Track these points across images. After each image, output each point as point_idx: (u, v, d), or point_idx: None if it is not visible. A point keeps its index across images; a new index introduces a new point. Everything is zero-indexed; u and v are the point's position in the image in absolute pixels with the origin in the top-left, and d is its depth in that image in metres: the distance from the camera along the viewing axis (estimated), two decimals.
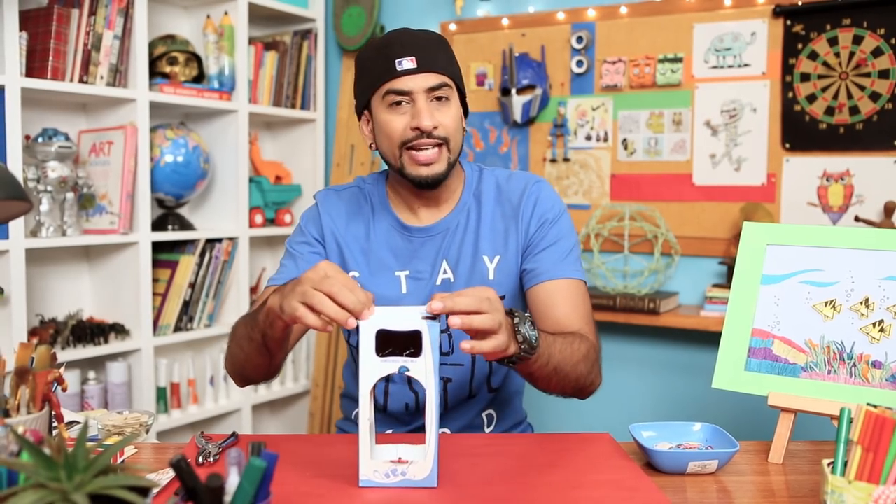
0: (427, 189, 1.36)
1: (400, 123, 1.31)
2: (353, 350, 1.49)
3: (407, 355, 1.00)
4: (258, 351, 1.23)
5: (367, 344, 1.00)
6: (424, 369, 1.00)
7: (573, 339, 1.28)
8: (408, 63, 1.29)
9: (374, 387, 1.03)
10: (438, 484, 1.03)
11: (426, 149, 1.31)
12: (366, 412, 1.02)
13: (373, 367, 1.01)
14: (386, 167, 1.45)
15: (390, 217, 1.43)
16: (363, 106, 1.38)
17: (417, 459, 1.03)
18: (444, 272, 1.39)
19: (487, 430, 1.44)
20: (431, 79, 1.31)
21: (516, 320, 1.12)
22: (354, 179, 1.51)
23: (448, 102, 1.33)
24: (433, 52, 1.32)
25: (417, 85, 1.30)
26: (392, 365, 1.00)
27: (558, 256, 1.39)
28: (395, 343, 1.01)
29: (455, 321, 1.01)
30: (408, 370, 1.00)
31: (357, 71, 1.39)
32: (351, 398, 1.53)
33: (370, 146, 1.40)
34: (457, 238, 1.40)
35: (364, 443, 1.02)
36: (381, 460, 1.04)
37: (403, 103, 1.31)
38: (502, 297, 1.39)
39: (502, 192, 1.44)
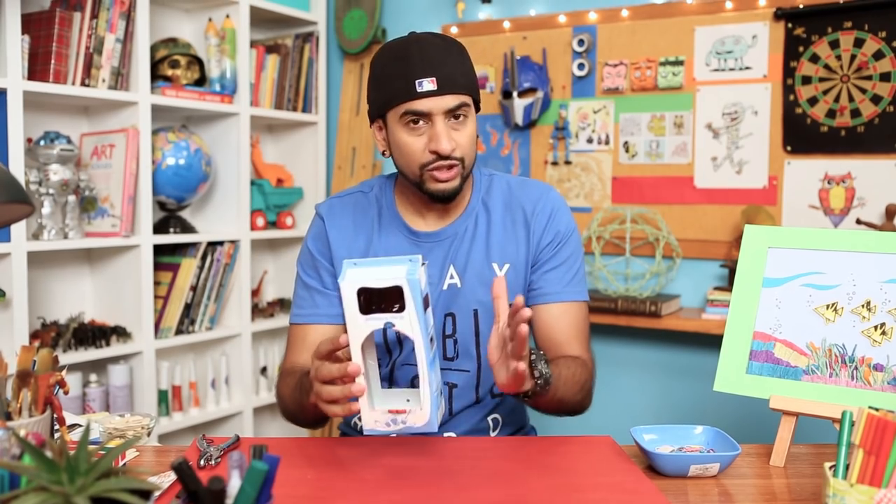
0: (443, 203, 1.37)
1: (418, 145, 1.30)
2: None
3: (395, 311, 1.01)
4: (314, 411, 1.23)
5: (350, 304, 1.01)
6: (409, 324, 1.02)
7: (576, 370, 1.31)
8: (428, 84, 1.26)
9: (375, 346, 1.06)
10: (439, 486, 1.03)
11: (445, 170, 1.31)
12: (359, 365, 1.03)
13: (359, 326, 1.02)
14: (393, 171, 1.45)
15: (398, 222, 1.42)
16: (377, 115, 1.36)
17: (414, 409, 1.05)
18: (451, 277, 1.39)
19: (493, 434, 1.44)
20: (451, 100, 1.28)
21: (533, 357, 1.17)
22: (359, 184, 1.50)
23: (465, 121, 1.31)
24: (453, 70, 1.29)
25: (437, 107, 1.27)
26: (378, 322, 1.02)
27: (566, 278, 1.40)
28: (381, 299, 1.02)
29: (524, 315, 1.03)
30: (393, 325, 1.02)
31: (372, 79, 1.35)
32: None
33: (383, 153, 1.38)
34: (465, 243, 1.40)
35: (363, 398, 1.04)
36: (380, 410, 1.05)
37: (421, 123, 1.29)
38: (510, 306, 1.39)
39: (514, 198, 1.43)
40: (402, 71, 1.28)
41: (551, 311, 1.39)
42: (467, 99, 1.31)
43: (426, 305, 1.04)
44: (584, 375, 1.33)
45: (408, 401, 1.08)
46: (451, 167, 1.31)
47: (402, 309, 1.01)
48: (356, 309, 1.02)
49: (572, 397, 1.31)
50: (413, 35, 1.33)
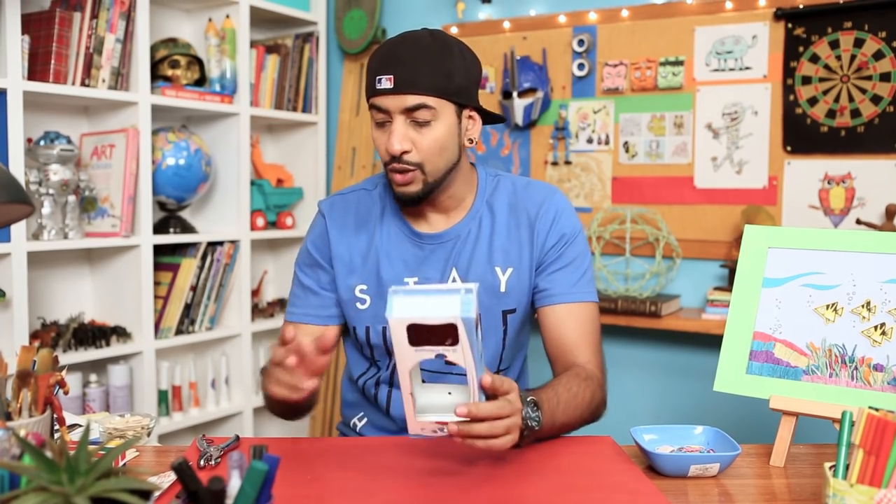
0: (406, 206, 1.36)
1: (382, 143, 1.30)
2: (350, 358, 1.50)
3: (447, 344, 0.96)
4: (290, 405, 1.23)
5: (398, 336, 0.96)
6: (462, 356, 0.98)
7: (579, 390, 1.26)
8: (385, 82, 1.25)
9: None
10: (439, 486, 1.03)
11: (398, 173, 1.30)
12: (406, 387, 1.01)
13: (408, 355, 0.98)
14: None
15: (400, 222, 1.41)
16: None
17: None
18: (453, 280, 1.38)
19: None
20: (408, 100, 1.25)
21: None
22: (363, 181, 1.50)
23: (428, 125, 1.27)
24: (416, 69, 1.25)
25: (394, 105, 1.26)
26: (428, 353, 0.98)
27: (573, 278, 1.38)
28: (432, 332, 0.96)
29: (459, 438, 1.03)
30: (445, 356, 0.98)
31: None
32: (349, 405, 1.53)
33: None
34: (468, 246, 1.38)
35: (408, 409, 1.03)
36: (426, 421, 1.04)
37: (385, 120, 1.29)
38: (513, 311, 1.39)
39: (518, 201, 1.41)
40: (371, 66, 1.30)
41: (558, 313, 1.37)
42: (431, 101, 1.26)
43: (477, 327, 0.99)
44: (587, 393, 1.28)
45: (449, 394, 1.05)
46: (404, 171, 1.29)
47: (454, 343, 0.96)
48: (405, 341, 0.97)
49: (577, 419, 1.27)
50: (406, 32, 1.33)
